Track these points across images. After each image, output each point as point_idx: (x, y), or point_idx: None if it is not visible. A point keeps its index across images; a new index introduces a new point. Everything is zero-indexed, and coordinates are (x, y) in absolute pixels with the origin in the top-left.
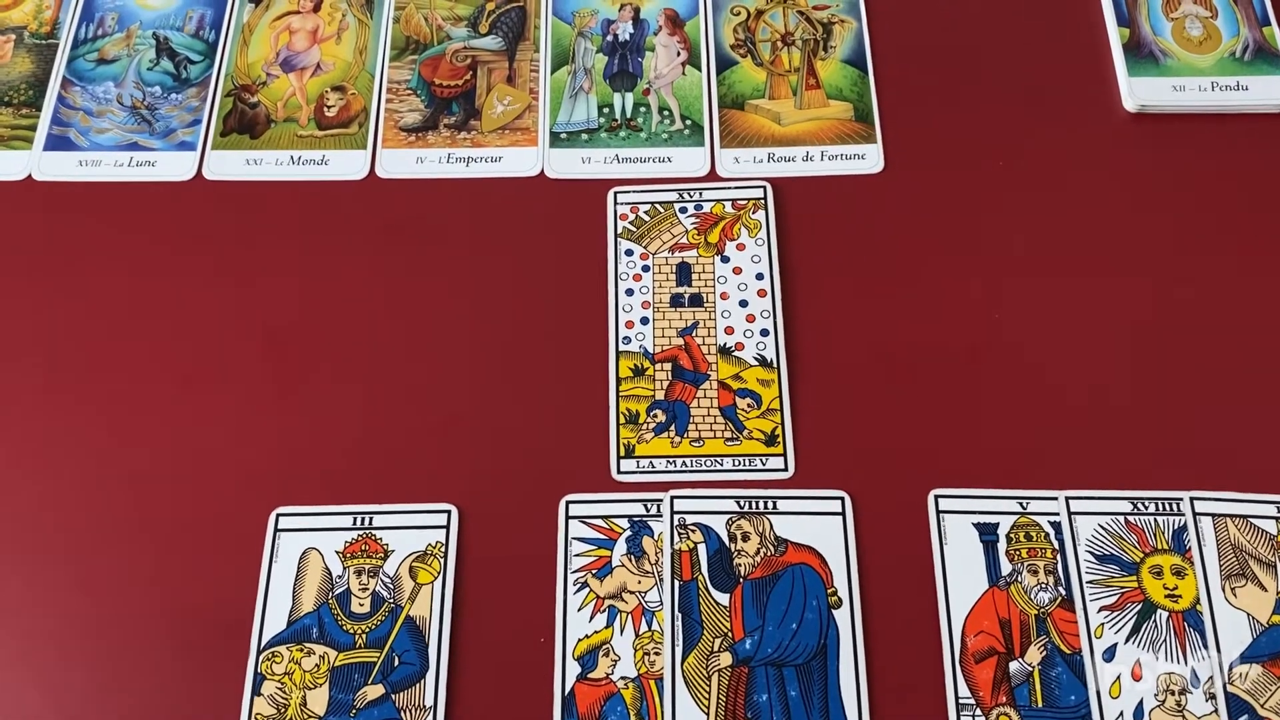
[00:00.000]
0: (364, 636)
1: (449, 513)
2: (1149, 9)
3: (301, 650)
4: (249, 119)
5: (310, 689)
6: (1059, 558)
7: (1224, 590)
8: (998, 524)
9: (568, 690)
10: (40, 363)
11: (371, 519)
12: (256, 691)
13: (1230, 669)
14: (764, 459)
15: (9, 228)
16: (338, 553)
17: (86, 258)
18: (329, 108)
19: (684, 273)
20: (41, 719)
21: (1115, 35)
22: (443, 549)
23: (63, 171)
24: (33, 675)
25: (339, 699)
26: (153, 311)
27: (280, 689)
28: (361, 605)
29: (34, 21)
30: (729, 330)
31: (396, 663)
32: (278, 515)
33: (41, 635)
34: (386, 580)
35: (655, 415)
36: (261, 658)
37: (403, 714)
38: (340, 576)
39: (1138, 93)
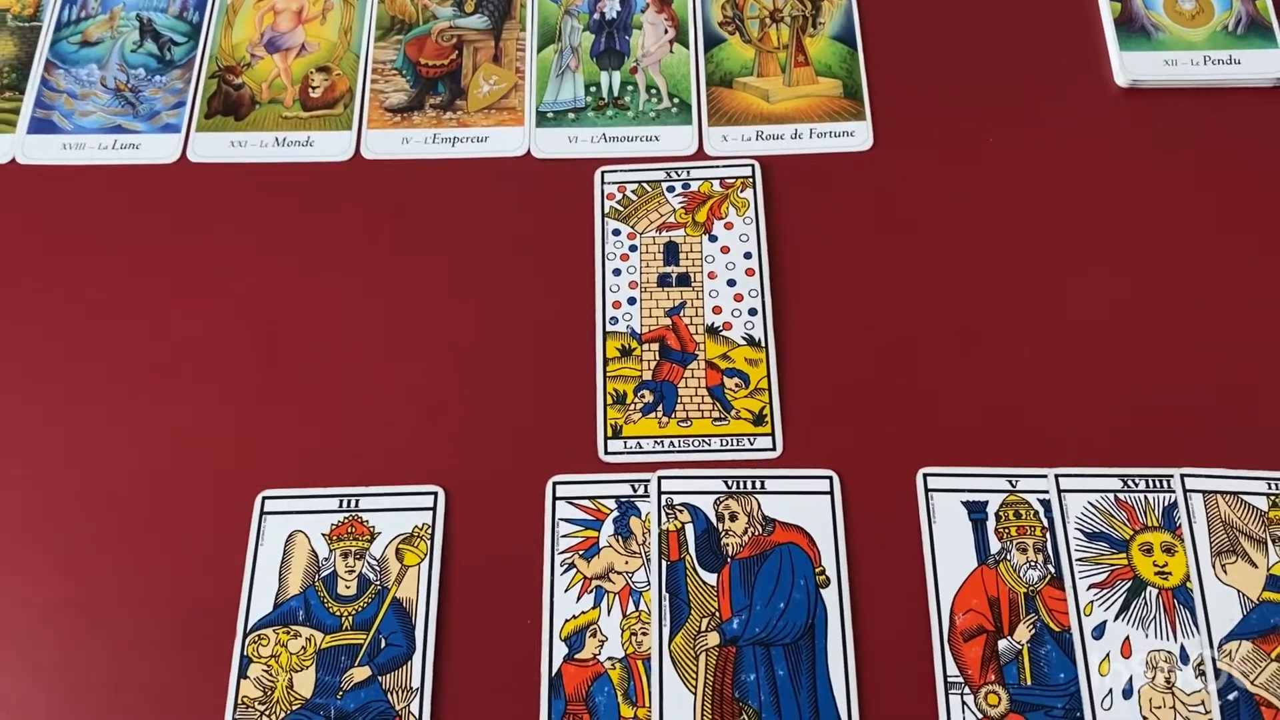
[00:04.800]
0: (350, 619)
1: (436, 494)
2: None
3: (288, 633)
4: (233, 101)
5: (297, 671)
6: (1048, 535)
7: (1214, 567)
8: (987, 502)
9: (555, 671)
10: (24, 346)
11: (358, 501)
12: (243, 674)
13: (1220, 646)
14: (752, 439)
15: None
16: (324, 535)
17: (70, 241)
18: (314, 88)
19: (671, 252)
20: (29, 703)
21: (1107, 10)
22: (429, 531)
23: (47, 155)
24: (19, 659)
25: (326, 681)
26: (137, 294)
27: (267, 671)
28: (348, 587)
29: (17, 4)
30: (717, 310)
31: (383, 644)
32: (264, 498)
33: (28, 619)
34: (373, 562)
35: (643, 395)
36: (248, 640)
37: (389, 696)
38: (326, 559)
39: (1129, 67)
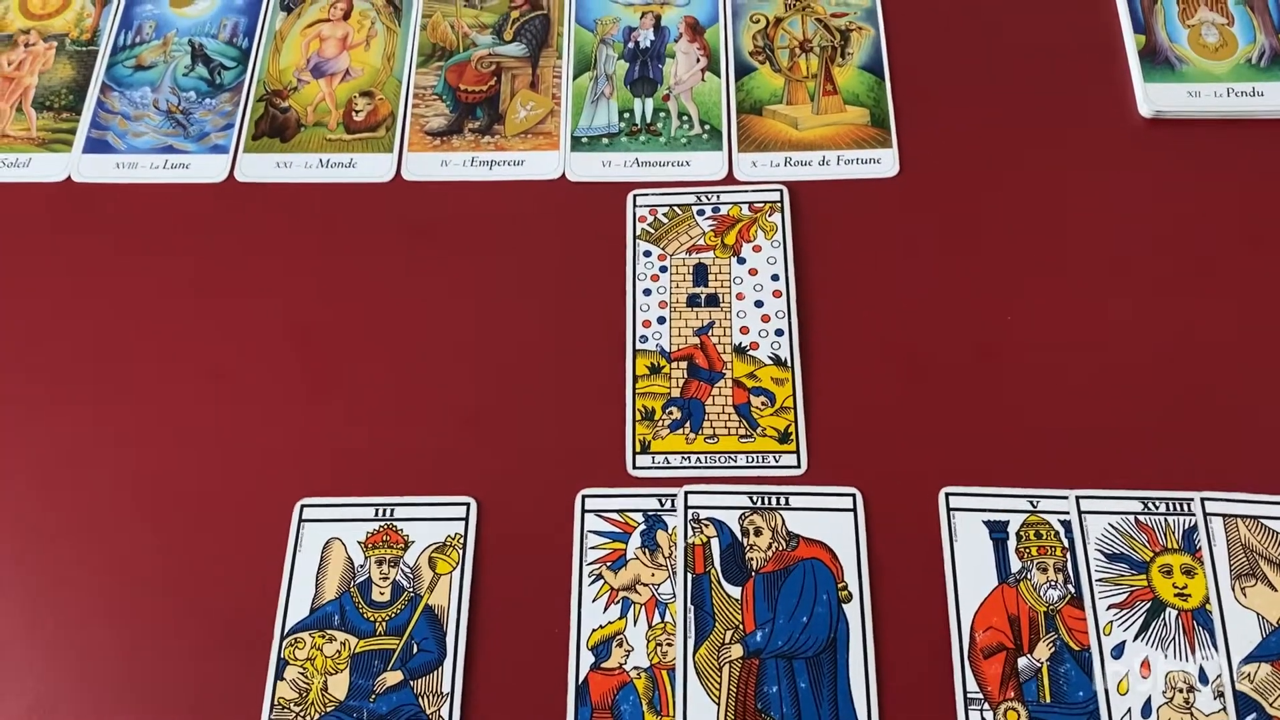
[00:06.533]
0: (384, 624)
1: (468, 505)
2: (1165, 16)
3: (323, 637)
4: (280, 123)
5: (331, 674)
6: (1069, 556)
7: (1233, 590)
8: (1008, 522)
9: (581, 679)
10: (77, 356)
11: (393, 510)
12: (279, 676)
13: (1239, 668)
14: (777, 456)
15: (49, 227)
16: (360, 543)
17: (122, 256)
18: (357, 112)
19: (701, 273)
20: (72, 699)
21: (1131, 42)
22: (461, 540)
23: (101, 173)
24: (64, 658)
25: (359, 684)
26: (185, 308)
27: (302, 674)
28: (382, 594)
29: (75, 29)
30: (744, 330)
31: (415, 650)
32: (302, 506)
33: (73, 619)
34: (406, 570)
35: (671, 412)
36: (285, 643)
37: (420, 700)
38: (362, 566)
39: (1153, 98)
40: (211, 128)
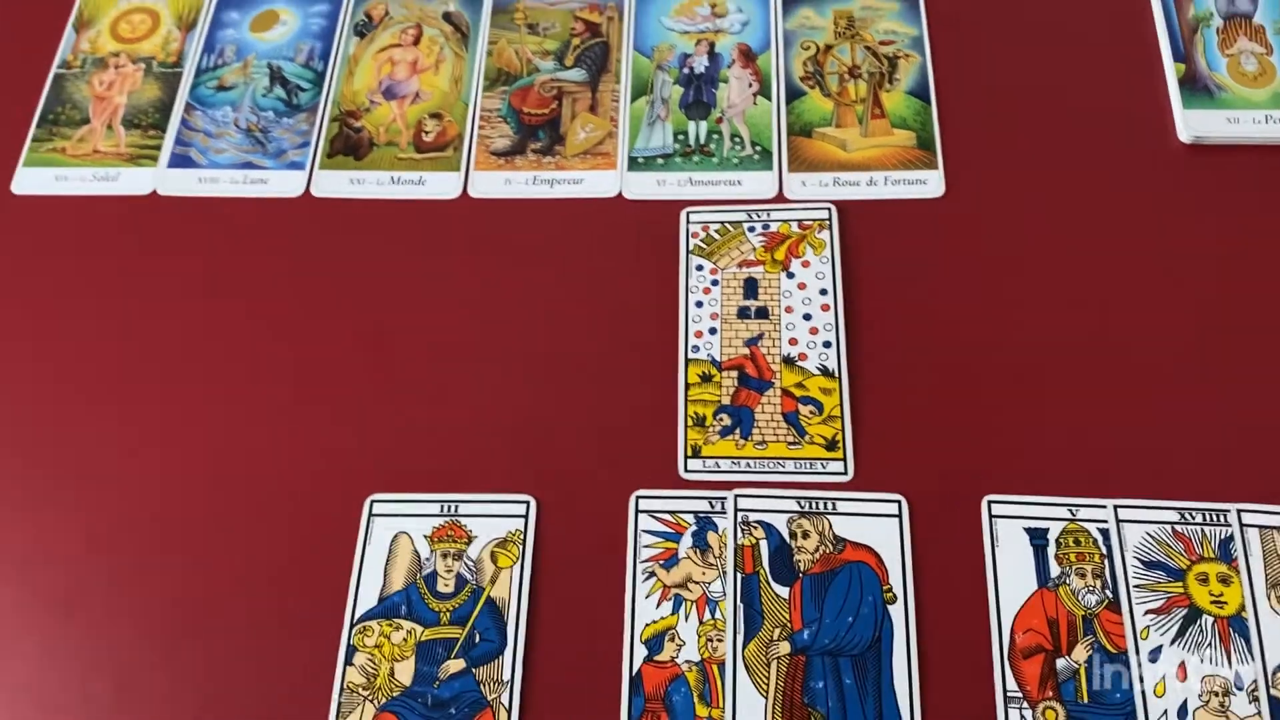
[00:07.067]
0: (448, 614)
1: (528, 503)
2: (1205, 45)
3: (391, 625)
4: (353, 142)
5: (398, 661)
6: (1107, 563)
7: (1269, 598)
8: (1048, 529)
9: (635, 671)
10: (164, 358)
11: (457, 507)
12: (349, 662)
13: (1274, 673)
14: (824, 463)
15: (136, 237)
16: (426, 537)
17: (205, 264)
18: (426, 133)
19: (751, 287)
20: (153, 683)
21: (1171, 70)
22: (522, 537)
23: (184, 187)
24: (144, 644)
25: (424, 671)
26: (264, 314)
27: (370, 660)
28: (446, 585)
29: (162, 52)
30: (793, 341)
31: (477, 639)
32: (372, 501)
33: (154, 607)
34: (470, 563)
35: (721, 419)
36: (354, 631)
37: (482, 686)
38: (428, 559)
39: (1192, 124)
40: (289, 145)
